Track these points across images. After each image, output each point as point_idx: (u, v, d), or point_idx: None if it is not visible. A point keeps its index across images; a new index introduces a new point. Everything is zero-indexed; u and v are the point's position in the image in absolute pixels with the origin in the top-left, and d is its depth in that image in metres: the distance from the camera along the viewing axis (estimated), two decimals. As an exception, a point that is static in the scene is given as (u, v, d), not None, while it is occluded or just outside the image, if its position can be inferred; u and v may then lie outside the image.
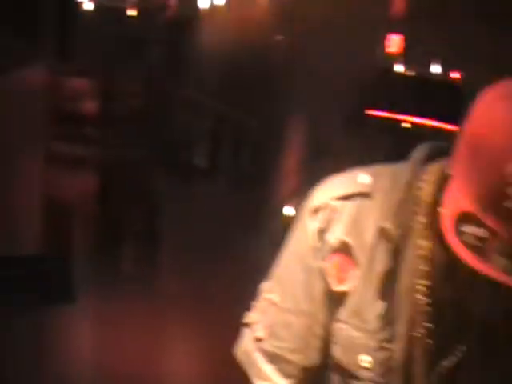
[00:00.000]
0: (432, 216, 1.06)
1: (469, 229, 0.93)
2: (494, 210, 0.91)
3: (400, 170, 1.12)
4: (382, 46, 7.62)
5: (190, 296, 4.43)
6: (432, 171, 1.08)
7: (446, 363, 1.08)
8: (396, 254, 1.08)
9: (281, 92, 6.83)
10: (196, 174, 7.52)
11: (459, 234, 0.93)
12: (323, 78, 6.13)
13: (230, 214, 5.86)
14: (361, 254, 1.10)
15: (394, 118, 7.18)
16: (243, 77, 7.47)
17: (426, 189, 1.08)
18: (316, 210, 1.13)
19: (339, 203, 1.12)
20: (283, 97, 6.75)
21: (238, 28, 6.96)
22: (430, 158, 1.11)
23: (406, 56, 7.64)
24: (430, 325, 1.07)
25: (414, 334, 1.07)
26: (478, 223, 0.92)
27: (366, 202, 1.11)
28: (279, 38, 7.56)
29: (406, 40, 7.72)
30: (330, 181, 1.16)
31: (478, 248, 0.91)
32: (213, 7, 7.77)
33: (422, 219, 1.08)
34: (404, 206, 1.09)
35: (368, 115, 6.83)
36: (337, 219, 1.11)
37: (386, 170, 1.14)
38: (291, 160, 6.14)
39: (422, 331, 1.08)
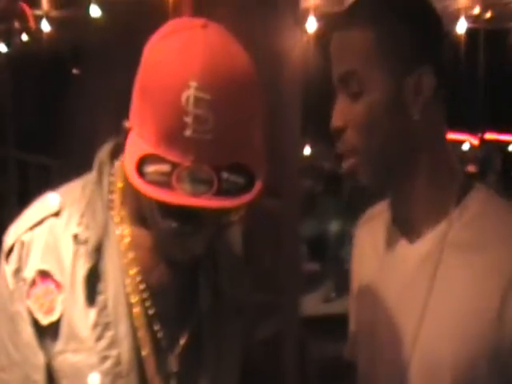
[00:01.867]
0: (127, 204, 1.13)
1: (152, 168, 0.95)
2: (174, 144, 0.95)
3: (89, 176, 1.17)
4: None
5: None
6: (120, 165, 1.14)
7: (177, 349, 1.15)
8: (97, 253, 1.11)
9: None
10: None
11: (143, 175, 0.95)
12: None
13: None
14: (62, 275, 1.10)
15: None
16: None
17: (116, 182, 1.14)
18: (9, 252, 1.13)
19: (29, 235, 1.12)
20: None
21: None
22: (116, 154, 1.16)
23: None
24: (152, 310, 1.12)
25: (136, 325, 1.11)
26: (161, 160, 0.95)
27: (56, 222, 1.13)
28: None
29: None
30: (20, 216, 1.16)
31: (163, 182, 0.94)
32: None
33: (117, 210, 1.14)
34: (94, 206, 1.13)
35: None
36: (30, 252, 1.11)
37: (77, 183, 1.18)
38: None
39: (146, 320, 1.12)
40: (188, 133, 0.95)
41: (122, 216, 1.15)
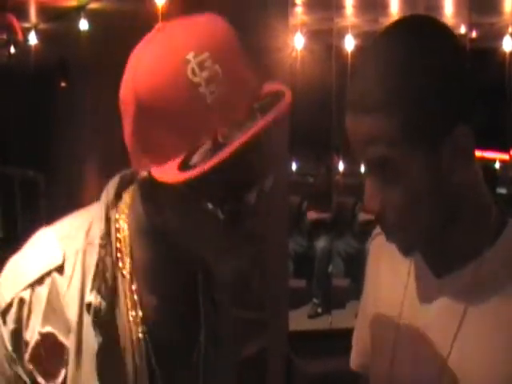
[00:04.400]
0: (137, 251, 1.07)
1: (196, 158, 0.93)
2: (200, 124, 0.94)
3: (92, 215, 1.09)
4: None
5: None
6: (126, 203, 1.08)
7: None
8: (107, 325, 1.04)
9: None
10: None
11: (192, 168, 0.92)
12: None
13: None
14: (67, 338, 1.04)
15: None
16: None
17: (122, 228, 1.07)
18: (6, 310, 1.04)
19: (29, 292, 1.04)
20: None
21: None
22: (122, 188, 1.10)
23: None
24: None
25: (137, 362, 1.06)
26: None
27: (60, 280, 1.04)
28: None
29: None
30: (14, 264, 1.07)
31: (212, 153, 0.92)
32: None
33: (124, 261, 1.07)
34: (103, 266, 1.05)
35: None
36: (31, 312, 1.04)
37: (77, 222, 1.09)
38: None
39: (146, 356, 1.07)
40: (209, 99, 0.95)
41: (129, 269, 1.08)
